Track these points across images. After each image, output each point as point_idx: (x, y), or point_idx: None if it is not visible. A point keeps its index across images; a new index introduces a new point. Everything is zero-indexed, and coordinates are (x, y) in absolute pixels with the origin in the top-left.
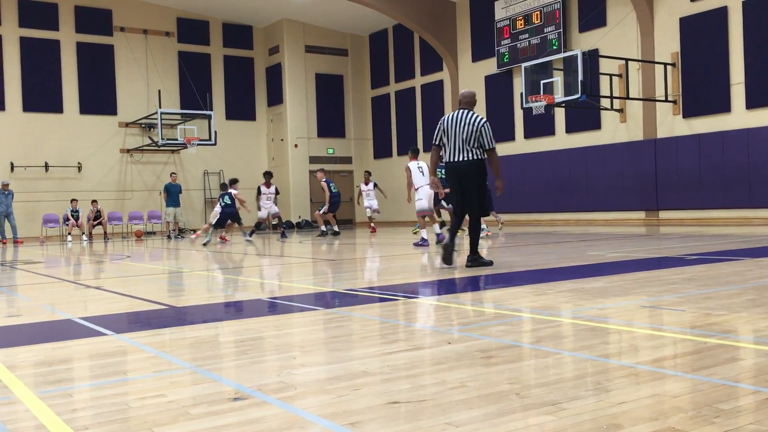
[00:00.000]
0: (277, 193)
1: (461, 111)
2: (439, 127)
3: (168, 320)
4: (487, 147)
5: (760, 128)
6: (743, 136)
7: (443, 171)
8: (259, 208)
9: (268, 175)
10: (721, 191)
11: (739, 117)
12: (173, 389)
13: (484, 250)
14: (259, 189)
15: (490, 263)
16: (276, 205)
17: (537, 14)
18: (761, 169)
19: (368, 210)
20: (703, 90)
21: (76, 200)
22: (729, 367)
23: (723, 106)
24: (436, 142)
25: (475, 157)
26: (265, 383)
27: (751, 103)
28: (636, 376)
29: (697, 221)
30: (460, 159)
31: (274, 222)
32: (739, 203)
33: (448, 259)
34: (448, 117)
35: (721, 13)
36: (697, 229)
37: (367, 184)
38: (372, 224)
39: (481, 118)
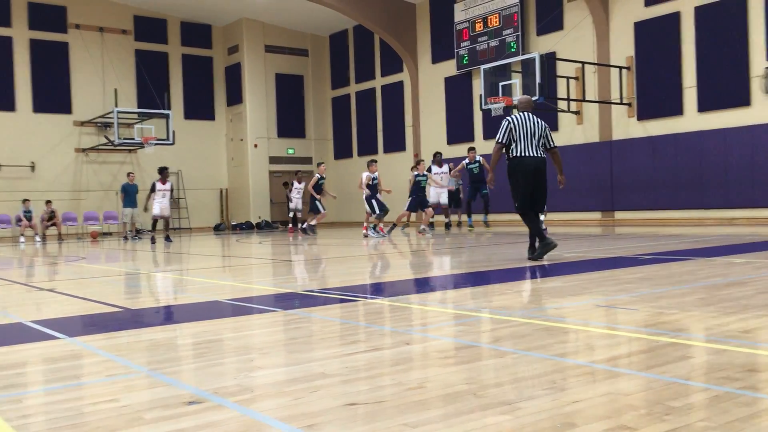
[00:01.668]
0: (171, 190)
1: (529, 114)
2: (508, 126)
3: (123, 323)
4: (551, 146)
5: (711, 131)
6: (695, 138)
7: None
8: (146, 208)
9: (164, 170)
10: (675, 192)
11: (691, 120)
12: (127, 394)
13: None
14: (153, 185)
15: (555, 244)
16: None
17: (495, 17)
18: (712, 170)
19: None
20: (656, 93)
21: (29, 200)
22: (680, 365)
23: (676, 109)
24: (503, 140)
25: (544, 155)
26: (222, 386)
27: (703, 107)
28: (590, 375)
29: (652, 221)
30: (537, 155)
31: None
32: (691, 204)
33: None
34: (521, 118)
35: (674, 18)
36: (652, 230)
37: (300, 182)
38: (291, 225)
39: (545, 123)
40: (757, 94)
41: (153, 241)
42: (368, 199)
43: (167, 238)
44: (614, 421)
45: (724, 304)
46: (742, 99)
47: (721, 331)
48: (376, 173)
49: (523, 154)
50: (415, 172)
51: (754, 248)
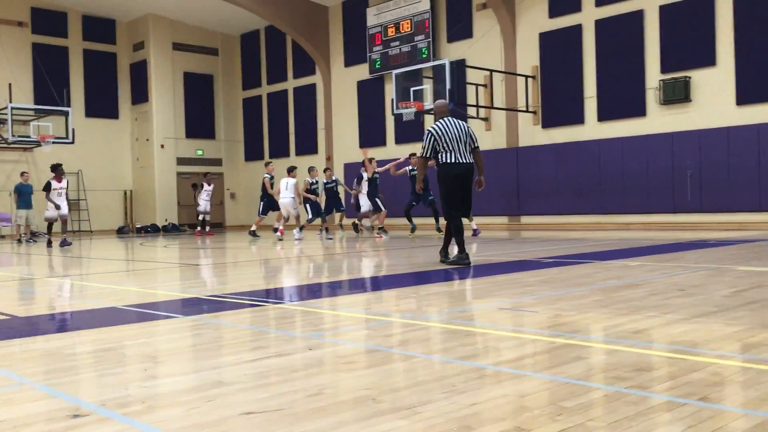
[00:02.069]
0: (67, 188)
1: (450, 119)
2: (431, 138)
3: (11, 331)
4: (475, 146)
5: (609, 139)
6: (595, 146)
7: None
8: (58, 207)
9: (58, 167)
10: (577, 198)
11: (592, 128)
12: (5, 407)
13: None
14: (48, 184)
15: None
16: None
17: (407, 23)
18: (611, 177)
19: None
20: (560, 102)
21: None
22: (575, 365)
23: (577, 117)
24: (428, 155)
25: (472, 160)
26: (112, 398)
27: (602, 116)
28: (490, 377)
29: (555, 226)
30: (465, 161)
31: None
32: (592, 209)
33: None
34: (443, 125)
35: (577, 30)
36: (555, 233)
37: (209, 184)
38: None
39: (467, 124)
40: (652, 106)
41: (49, 244)
42: (306, 203)
43: (64, 242)
44: (509, 423)
45: (617, 306)
46: (639, 110)
47: (614, 332)
48: (316, 178)
49: (452, 161)
50: (324, 180)
51: (647, 252)
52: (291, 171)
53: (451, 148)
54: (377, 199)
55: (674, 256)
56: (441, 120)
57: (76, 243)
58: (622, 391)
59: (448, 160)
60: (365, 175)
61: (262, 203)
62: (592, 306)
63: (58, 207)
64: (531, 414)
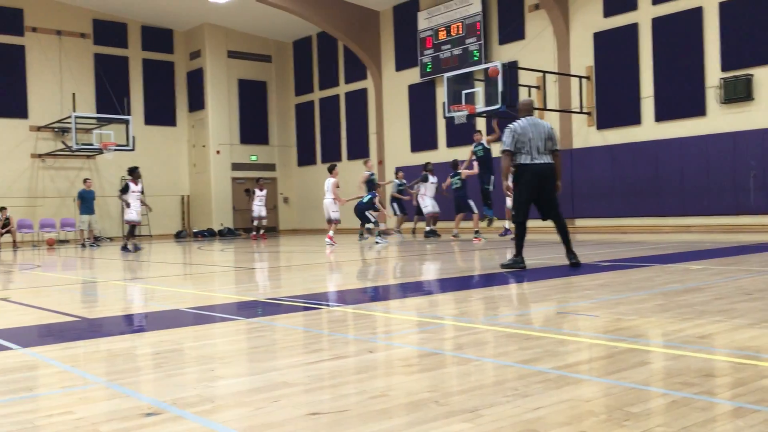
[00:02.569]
0: (143, 192)
1: (532, 118)
2: (512, 134)
3: (80, 333)
4: (555, 148)
5: (667, 140)
6: (652, 147)
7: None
8: (128, 205)
9: (135, 170)
10: (633, 200)
11: (649, 129)
12: (83, 405)
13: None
14: (127, 186)
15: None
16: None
17: (459, 26)
18: (669, 179)
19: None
20: (615, 103)
21: None
22: (639, 370)
23: (633, 118)
24: (511, 148)
25: (551, 161)
26: (181, 397)
27: (660, 116)
28: (551, 382)
29: (611, 229)
30: (543, 161)
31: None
32: (649, 212)
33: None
34: (524, 124)
35: (632, 29)
36: (611, 237)
37: (261, 190)
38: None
39: (550, 125)
40: (712, 105)
41: (136, 248)
42: (393, 202)
43: (129, 247)
44: (575, 428)
45: (681, 310)
46: (698, 109)
47: (678, 336)
48: (403, 180)
49: (528, 162)
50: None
51: (709, 255)
52: (332, 170)
53: (528, 147)
54: (470, 201)
55: (738, 259)
56: (523, 118)
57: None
58: (690, 397)
59: (523, 161)
60: (431, 178)
61: (395, 204)
62: (653, 310)
63: (128, 205)
64: (597, 419)
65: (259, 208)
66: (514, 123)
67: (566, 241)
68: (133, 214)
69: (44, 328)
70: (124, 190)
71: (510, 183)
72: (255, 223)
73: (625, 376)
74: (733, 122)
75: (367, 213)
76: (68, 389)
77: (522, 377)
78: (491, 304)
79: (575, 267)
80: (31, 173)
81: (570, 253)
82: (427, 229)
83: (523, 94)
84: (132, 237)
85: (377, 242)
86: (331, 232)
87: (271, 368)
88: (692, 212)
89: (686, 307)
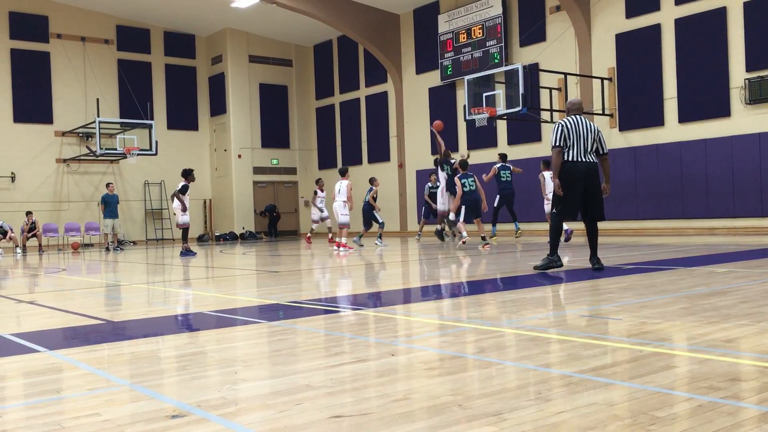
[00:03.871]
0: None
1: (580, 117)
2: (561, 130)
3: (105, 335)
4: (603, 152)
5: (691, 141)
6: (676, 149)
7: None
8: (185, 209)
9: (191, 172)
10: (656, 202)
11: (672, 130)
12: (109, 407)
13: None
14: (186, 188)
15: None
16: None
17: (479, 28)
18: (693, 180)
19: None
20: (637, 104)
21: None
22: (664, 374)
23: (657, 119)
24: (559, 144)
25: (595, 160)
26: (206, 399)
27: (683, 118)
28: (575, 385)
29: (634, 231)
30: (588, 160)
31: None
32: (672, 214)
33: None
34: (572, 122)
35: (655, 29)
36: (634, 239)
37: (322, 191)
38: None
39: (597, 127)
40: (737, 105)
41: (189, 252)
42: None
43: (187, 252)
44: (599, 431)
45: (706, 314)
46: (722, 110)
47: (703, 340)
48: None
49: (573, 159)
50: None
51: (734, 258)
52: (344, 173)
53: (575, 145)
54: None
55: (764, 262)
56: (572, 116)
57: (157, 250)
58: (716, 402)
59: (569, 158)
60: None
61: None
62: (678, 314)
63: (185, 208)
64: (622, 423)
65: (321, 208)
66: (563, 119)
67: (593, 245)
68: (186, 216)
69: (69, 330)
70: (184, 190)
71: (558, 181)
72: (315, 226)
73: (650, 380)
74: (759, 123)
75: (375, 213)
76: (94, 391)
77: (545, 381)
78: (514, 307)
79: (598, 271)
80: (56, 178)
81: (594, 258)
82: (439, 228)
83: (544, 96)
84: (186, 240)
85: (377, 244)
86: (343, 239)
87: (293, 371)
88: (716, 214)
89: (712, 311)
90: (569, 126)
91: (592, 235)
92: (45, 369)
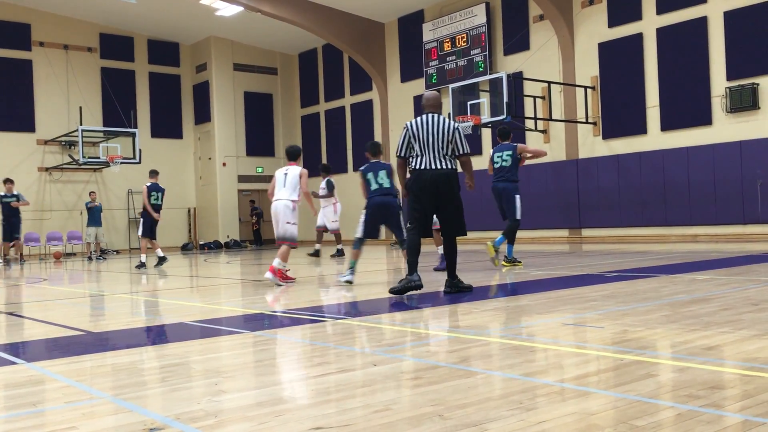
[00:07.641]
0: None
1: (430, 115)
2: (405, 135)
3: (85, 347)
4: (461, 152)
5: (673, 149)
6: (658, 156)
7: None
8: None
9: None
10: (639, 210)
11: (655, 138)
12: (86, 420)
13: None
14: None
15: (470, 288)
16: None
17: (463, 37)
18: (675, 188)
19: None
20: (620, 112)
21: None
22: (645, 383)
23: (639, 128)
24: (402, 154)
25: (451, 166)
26: (186, 411)
27: (666, 126)
28: (557, 394)
29: (617, 239)
30: (436, 167)
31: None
32: (655, 221)
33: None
34: (416, 122)
35: (637, 39)
36: (617, 247)
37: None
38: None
39: (453, 123)
40: (718, 114)
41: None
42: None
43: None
44: None
45: (687, 321)
46: (704, 118)
47: (684, 348)
48: None
49: (421, 167)
50: None
51: (716, 265)
52: (295, 157)
53: (424, 149)
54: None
55: (745, 269)
56: (423, 115)
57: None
58: (696, 410)
59: (417, 166)
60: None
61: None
62: (660, 321)
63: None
64: None
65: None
66: (410, 120)
67: (450, 265)
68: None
69: (50, 342)
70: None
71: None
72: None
73: (632, 389)
74: (740, 131)
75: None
76: (73, 404)
77: (527, 390)
78: (496, 317)
79: (448, 295)
80: (38, 186)
81: (449, 280)
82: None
83: (528, 105)
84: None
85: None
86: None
87: (275, 382)
88: (699, 222)
89: (693, 318)
90: (417, 128)
91: (449, 254)
92: (23, 381)
